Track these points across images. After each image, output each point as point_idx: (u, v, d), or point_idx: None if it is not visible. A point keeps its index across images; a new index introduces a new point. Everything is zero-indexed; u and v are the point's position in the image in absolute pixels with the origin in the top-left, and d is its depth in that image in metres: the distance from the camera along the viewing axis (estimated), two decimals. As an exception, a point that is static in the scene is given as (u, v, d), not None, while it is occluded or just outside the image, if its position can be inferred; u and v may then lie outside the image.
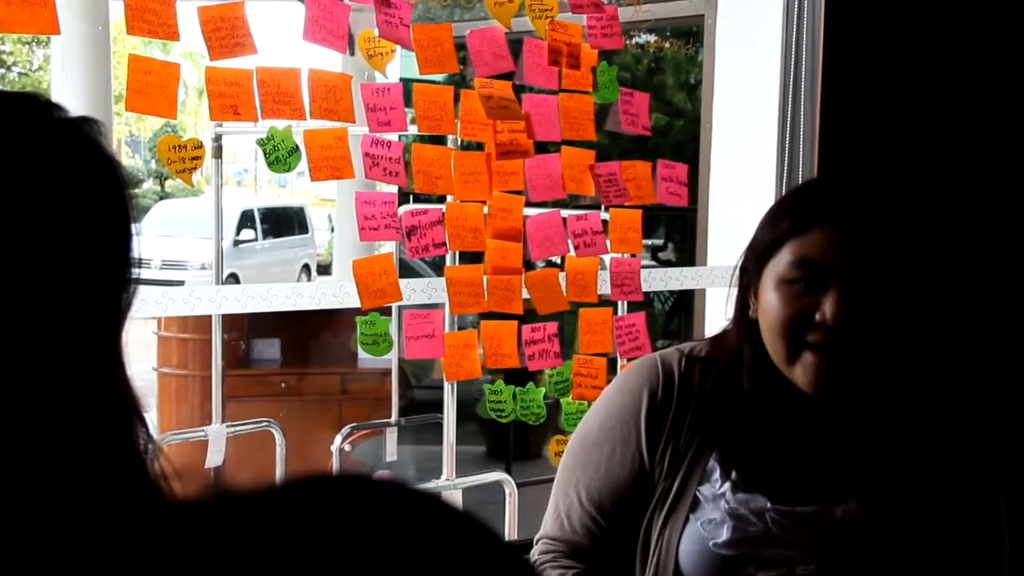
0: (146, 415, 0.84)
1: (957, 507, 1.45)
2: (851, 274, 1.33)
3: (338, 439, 3.83)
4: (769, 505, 1.40)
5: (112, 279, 0.82)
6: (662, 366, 1.51)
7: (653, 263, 8.13)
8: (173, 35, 2.22)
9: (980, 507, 1.48)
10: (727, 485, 1.42)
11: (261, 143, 2.46)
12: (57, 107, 0.83)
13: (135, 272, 0.84)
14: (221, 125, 2.97)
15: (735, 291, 1.50)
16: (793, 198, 1.49)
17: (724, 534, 1.40)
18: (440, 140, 2.81)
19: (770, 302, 1.39)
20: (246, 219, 15.04)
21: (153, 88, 2.22)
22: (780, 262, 1.39)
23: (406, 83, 2.63)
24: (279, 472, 3.59)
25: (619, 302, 3.10)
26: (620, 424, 1.50)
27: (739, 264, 1.49)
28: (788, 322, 1.37)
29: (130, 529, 0.67)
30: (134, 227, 0.84)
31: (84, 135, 0.82)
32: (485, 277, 2.77)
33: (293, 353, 5.62)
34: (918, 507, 1.42)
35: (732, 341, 1.49)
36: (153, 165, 24.83)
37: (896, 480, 1.43)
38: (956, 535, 1.44)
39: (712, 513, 1.42)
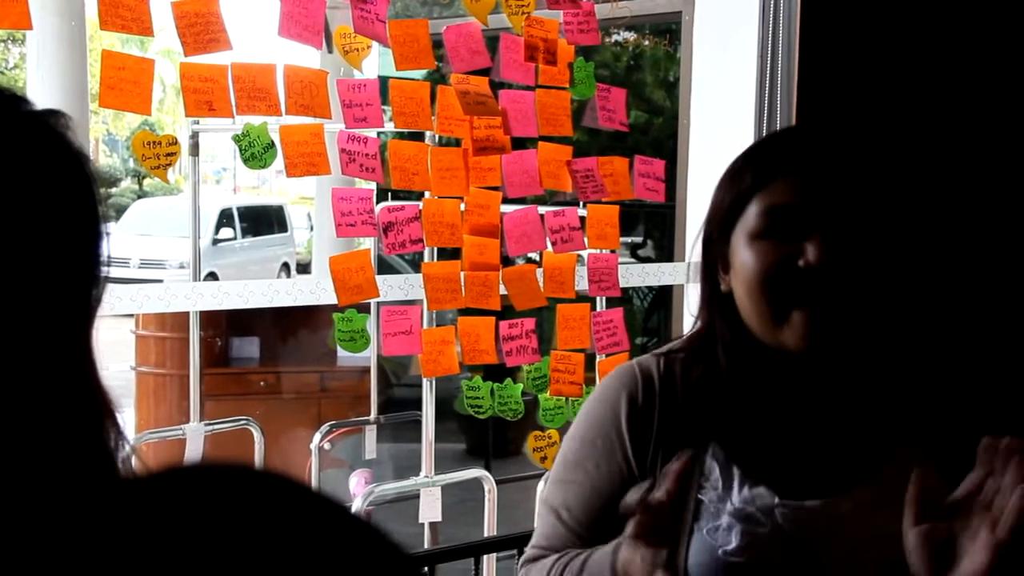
0: (118, 414, 0.83)
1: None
2: (828, 214, 1.25)
3: (317, 437, 3.83)
4: (777, 500, 1.30)
5: (80, 275, 0.81)
6: (640, 370, 1.40)
7: (632, 260, 8.14)
8: (147, 31, 2.21)
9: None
10: (731, 483, 1.31)
11: (237, 139, 2.46)
12: (23, 100, 0.82)
13: (104, 268, 0.83)
14: (198, 122, 2.96)
15: (698, 271, 1.40)
16: (747, 156, 1.36)
17: (734, 540, 1.29)
18: (417, 136, 2.81)
19: (744, 261, 1.29)
20: (225, 218, 14.99)
21: (127, 84, 2.21)
22: (748, 219, 1.30)
23: (383, 80, 2.62)
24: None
25: (597, 298, 3.10)
26: (601, 436, 1.39)
27: (702, 238, 1.39)
28: (768, 276, 1.27)
29: (97, 530, 0.67)
30: (103, 222, 0.83)
31: (51, 128, 0.81)
32: (462, 273, 2.77)
33: (272, 351, 5.60)
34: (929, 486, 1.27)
35: (704, 323, 1.39)
36: (131, 164, 24.70)
37: (905, 452, 1.32)
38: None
39: (718, 518, 1.31)
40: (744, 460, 1.32)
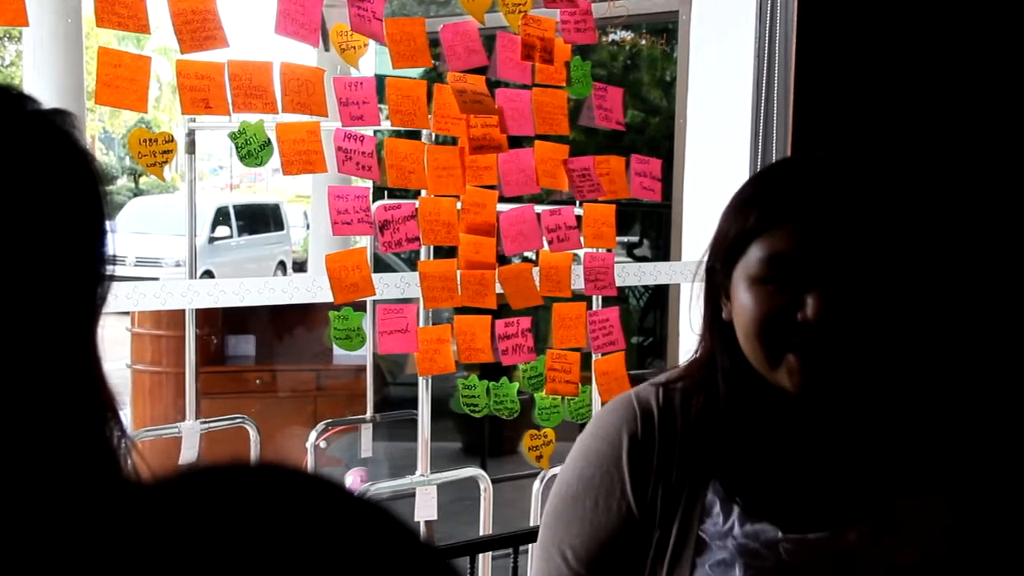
0: (121, 411, 0.83)
1: (979, 504, 1.32)
2: (830, 268, 1.23)
3: (313, 435, 3.82)
4: (780, 535, 1.27)
5: (86, 274, 0.81)
6: (638, 402, 1.38)
7: (629, 259, 8.13)
8: (143, 28, 2.21)
9: (1004, 500, 1.35)
10: (732, 517, 1.29)
11: (233, 137, 2.45)
12: (29, 99, 0.82)
13: (109, 267, 0.83)
14: (194, 120, 2.96)
15: (702, 294, 1.38)
16: (756, 187, 1.34)
17: (737, 575, 1.28)
18: (414, 135, 2.81)
19: (743, 304, 1.28)
20: (221, 216, 14.98)
21: (123, 81, 2.21)
22: (750, 260, 1.28)
23: (379, 78, 2.62)
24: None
25: (593, 297, 3.10)
26: (600, 471, 1.36)
27: (705, 264, 1.37)
28: (766, 324, 1.26)
29: (101, 528, 0.67)
30: (108, 221, 0.83)
31: (57, 128, 0.81)
32: (458, 272, 2.77)
33: (268, 349, 5.60)
34: (936, 513, 1.30)
35: (705, 350, 1.38)
36: (127, 162, 24.68)
37: (908, 487, 1.31)
38: (982, 533, 1.31)
39: (720, 553, 1.29)
40: (745, 495, 1.30)
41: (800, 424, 1.32)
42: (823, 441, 1.32)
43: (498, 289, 2.83)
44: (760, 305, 1.26)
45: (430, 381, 2.93)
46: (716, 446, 1.32)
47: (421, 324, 2.78)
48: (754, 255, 1.27)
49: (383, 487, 3.07)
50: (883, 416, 1.34)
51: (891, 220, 1.27)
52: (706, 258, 1.37)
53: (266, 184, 28.45)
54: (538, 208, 2.94)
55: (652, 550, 1.33)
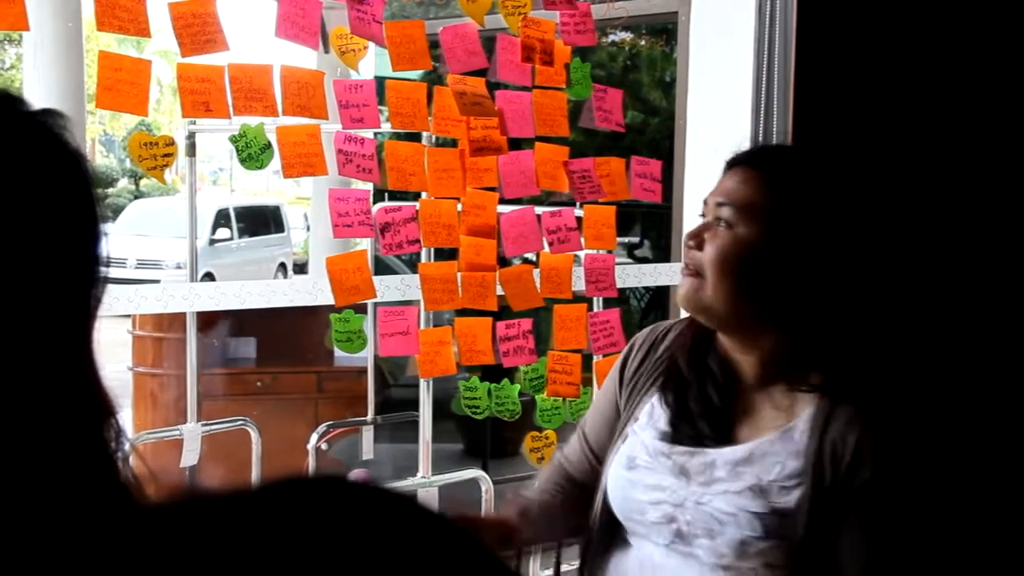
0: (119, 414, 0.83)
1: (835, 468, 1.49)
2: (720, 201, 1.55)
3: (314, 437, 3.82)
4: (660, 442, 1.59)
5: (80, 276, 0.81)
6: (651, 329, 1.79)
7: (629, 261, 8.13)
8: (144, 32, 2.21)
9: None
10: (651, 423, 1.63)
11: (233, 140, 2.46)
12: (20, 100, 0.82)
13: (103, 268, 0.83)
14: (195, 123, 2.96)
15: None
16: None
17: (627, 462, 1.62)
18: (414, 137, 2.81)
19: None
20: (222, 218, 14.97)
21: (124, 85, 2.21)
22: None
23: (379, 80, 2.62)
24: (255, 471, 3.58)
25: (594, 298, 3.10)
26: (609, 379, 1.79)
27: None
28: (684, 245, 1.59)
29: (99, 533, 0.67)
30: (101, 222, 0.83)
31: (48, 129, 0.81)
32: (459, 274, 2.77)
33: (269, 352, 5.60)
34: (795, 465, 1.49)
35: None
36: (128, 164, 24.66)
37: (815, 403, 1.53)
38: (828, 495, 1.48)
39: (631, 445, 1.64)
40: (664, 413, 1.63)
41: (727, 377, 1.60)
42: (738, 393, 1.59)
43: (499, 291, 2.83)
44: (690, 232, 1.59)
45: (431, 383, 2.94)
46: (666, 375, 1.67)
47: (422, 326, 2.78)
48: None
49: (385, 489, 3.06)
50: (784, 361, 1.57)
51: (800, 188, 1.55)
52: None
53: (267, 186, 28.42)
54: (538, 210, 2.94)
55: (616, 432, 1.72)
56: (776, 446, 1.51)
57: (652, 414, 1.64)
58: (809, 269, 1.51)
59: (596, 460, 1.77)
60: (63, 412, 0.77)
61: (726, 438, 1.56)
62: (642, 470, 1.59)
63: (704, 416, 1.58)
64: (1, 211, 0.75)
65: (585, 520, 1.72)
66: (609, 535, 1.67)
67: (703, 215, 1.59)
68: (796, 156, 1.67)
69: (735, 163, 1.61)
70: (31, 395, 0.76)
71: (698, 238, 1.56)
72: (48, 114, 0.82)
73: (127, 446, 0.83)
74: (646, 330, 1.79)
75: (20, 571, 0.67)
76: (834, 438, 1.48)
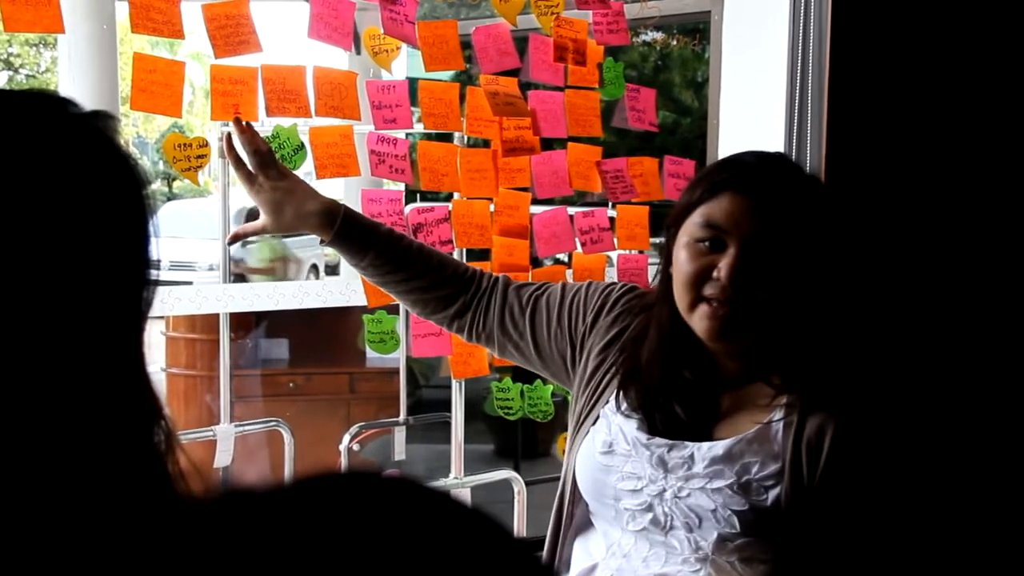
0: (167, 415, 0.83)
1: (812, 466, 1.53)
2: (747, 237, 1.52)
3: (346, 438, 3.82)
4: (639, 432, 1.62)
5: (133, 278, 0.81)
6: (629, 293, 1.83)
7: (661, 261, 8.10)
8: (178, 33, 2.22)
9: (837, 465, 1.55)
10: (618, 408, 1.66)
11: (267, 141, 2.46)
12: (71, 103, 0.82)
13: (153, 270, 0.83)
14: (228, 124, 2.96)
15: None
16: (709, 169, 1.66)
17: (603, 446, 1.64)
18: (446, 137, 2.80)
19: (679, 258, 1.59)
20: (253, 218, 15.02)
21: (158, 87, 2.22)
22: (691, 223, 1.58)
23: (412, 81, 2.62)
24: (288, 472, 3.59)
25: (627, 299, 3.08)
26: (586, 302, 1.82)
27: (665, 225, 1.68)
28: (691, 275, 1.56)
29: (144, 528, 0.67)
30: (152, 224, 0.83)
31: (99, 131, 0.81)
32: (492, 274, 2.76)
33: (301, 353, 5.61)
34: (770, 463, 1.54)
35: (655, 294, 1.71)
36: (161, 166, 24.76)
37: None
38: (804, 494, 1.52)
39: (606, 429, 1.66)
40: (633, 399, 1.65)
41: (702, 370, 1.62)
42: (714, 386, 1.63)
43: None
44: (691, 260, 1.56)
45: (463, 384, 2.93)
46: (635, 358, 1.68)
47: (454, 327, 2.78)
48: (695, 219, 1.58)
49: (417, 490, 3.06)
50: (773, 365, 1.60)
51: (813, 213, 1.55)
52: (666, 222, 1.68)
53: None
54: (571, 210, 2.93)
55: (575, 422, 1.77)
56: (754, 444, 1.55)
57: (620, 398, 1.68)
58: (796, 276, 1.54)
59: (517, 309, 1.85)
60: (118, 412, 0.77)
61: (705, 433, 1.60)
62: (619, 456, 1.63)
63: (683, 410, 1.62)
64: (54, 214, 0.75)
65: (409, 273, 1.89)
66: (579, 514, 1.73)
67: (704, 240, 1.56)
68: (789, 176, 1.59)
69: (730, 187, 1.56)
70: (86, 396, 0.76)
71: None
72: (99, 116, 0.81)
73: (175, 443, 0.83)
74: (624, 290, 1.84)
75: (75, 563, 0.67)
76: (811, 436, 1.52)
